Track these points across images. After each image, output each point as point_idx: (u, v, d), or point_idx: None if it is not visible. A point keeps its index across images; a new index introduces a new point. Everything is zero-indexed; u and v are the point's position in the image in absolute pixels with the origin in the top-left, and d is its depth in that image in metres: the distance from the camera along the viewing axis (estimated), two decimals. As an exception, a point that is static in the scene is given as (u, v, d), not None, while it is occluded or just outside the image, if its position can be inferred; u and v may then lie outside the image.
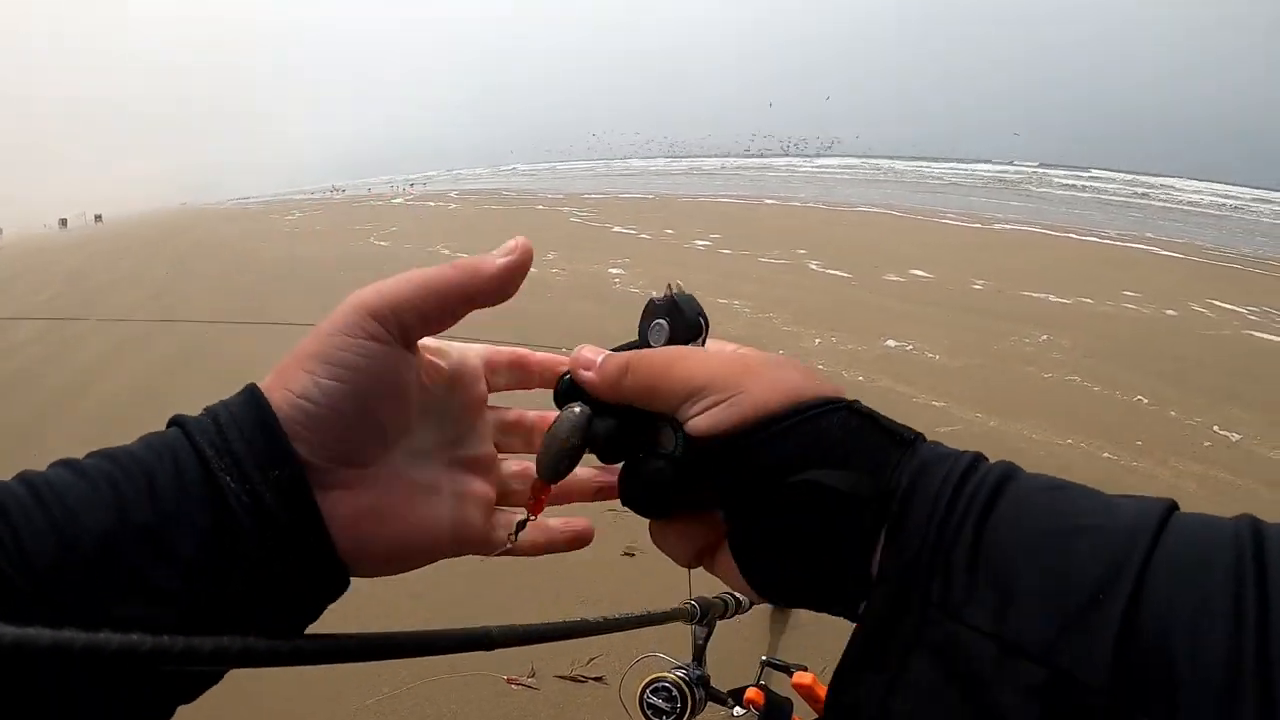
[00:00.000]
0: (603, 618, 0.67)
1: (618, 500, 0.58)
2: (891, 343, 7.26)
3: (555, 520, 0.60)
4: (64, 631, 0.34)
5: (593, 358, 0.56)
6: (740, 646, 3.09)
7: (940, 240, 13.02)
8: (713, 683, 1.56)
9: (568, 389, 0.57)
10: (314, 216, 24.62)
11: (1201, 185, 21.92)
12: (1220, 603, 0.34)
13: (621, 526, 3.99)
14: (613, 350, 0.57)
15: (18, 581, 0.37)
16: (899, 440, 0.48)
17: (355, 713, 3.05)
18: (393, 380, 0.50)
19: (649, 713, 1.44)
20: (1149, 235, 13.71)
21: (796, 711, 1.58)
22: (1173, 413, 5.54)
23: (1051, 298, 8.85)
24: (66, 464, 0.44)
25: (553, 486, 0.57)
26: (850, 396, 0.51)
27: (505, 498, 0.61)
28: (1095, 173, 24.49)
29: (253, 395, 0.48)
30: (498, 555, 0.58)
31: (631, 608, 0.83)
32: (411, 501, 0.52)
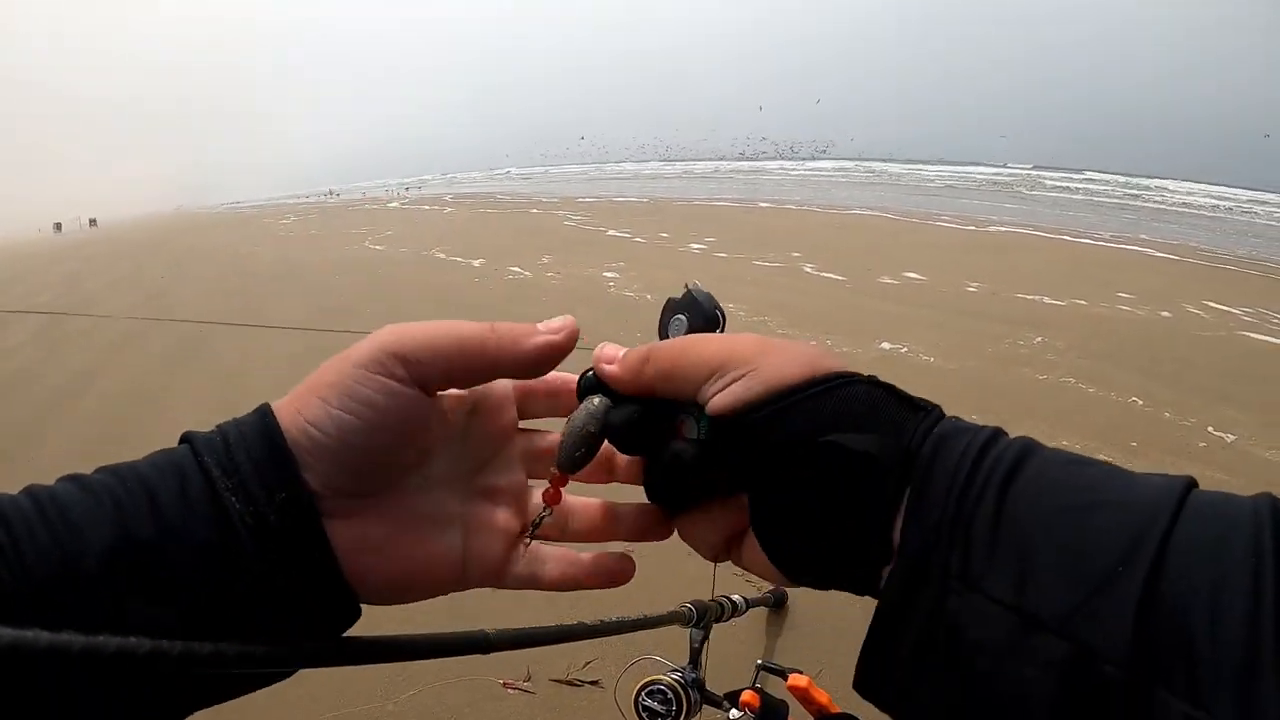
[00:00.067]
0: (600, 621, 0.67)
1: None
2: (886, 345, 7.27)
3: (587, 555, 0.58)
4: (62, 634, 0.34)
5: (615, 353, 0.56)
6: (736, 650, 3.10)
7: (934, 242, 13.04)
8: (708, 686, 1.56)
9: (590, 385, 0.57)
10: (308, 220, 24.57)
11: (1196, 187, 21.95)
12: (1239, 579, 0.34)
13: (617, 530, 3.99)
14: None
15: (17, 592, 0.37)
16: (919, 410, 0.49)
17: (349, 718, 3.05)
18: (409, 422, 0.50)
19: (644, 715, 1.44)
20: (1143, 236, 13.73)
21: (792, 714, 1.58)
22: (1167, 414, 5.55)
23: (1046, 299, 8.87)
24: (72, 479, 0.44)
25: (571, 477, 0.57)
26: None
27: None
28: (1089, 174, 24.51)
29: (263, 416, 0.47)
30: (516, 588, 0.57)
31: (627, 612, 0.83)
32: (417, 534, 0.52)
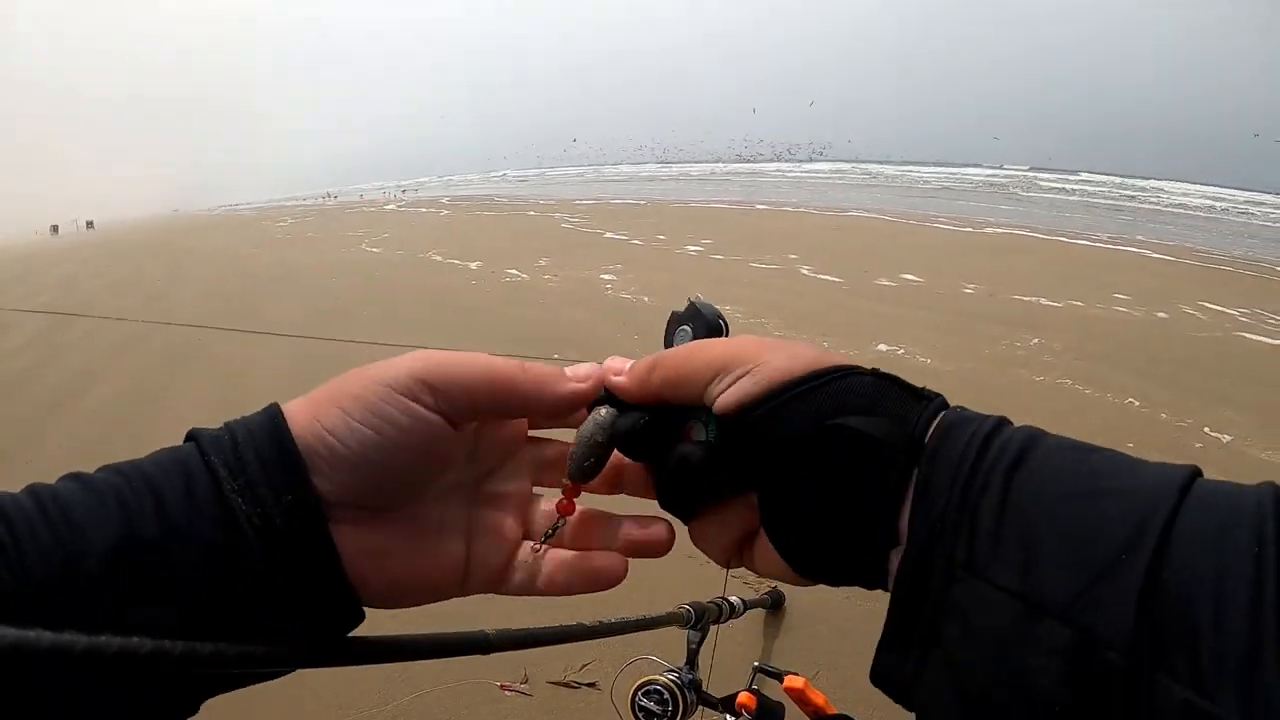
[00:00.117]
0: (598, 622, 0.67)
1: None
2: (883, 347, 7.27)
3: (574, 555, 0.58)
4: (64, 634, 0.34)
5: (622, 365, 0.57)
6: (734, 652, 3.10)
7: (931, 244, 13.05)
8: (706, 687, 1.56)
9: (599, 397, 0.57)
10: (306, 223, 24.61)
11: (1191, 188, 22.01)
12: (1242, 566, 0.34)
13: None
14: None
15: (17, 591, 0.37)
16: (923, 398, 0.50)
17: (348, 722, 3.05)
18: (430, 446, 0.50)
19: (640, 715, 1.44)
20: (1139, 238, 13.75)
21: (789, 715, 1.58)
22: (1164, 415, 5.57)
23: (1043, 301, 8.88)
24: (75, 478, 0.44)
25: (582, 487, 0.57)
26: None
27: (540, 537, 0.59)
28: (1084, 176, 24.56)
29: (272, 418, 0.47)
30: (515, 594, 0.56)
31: (624, 614, 0.83)
32: (423, 540, 0.52)
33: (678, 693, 1.44)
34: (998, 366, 6.66)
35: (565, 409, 0.55)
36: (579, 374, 0.55)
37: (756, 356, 0.52)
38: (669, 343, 0.62)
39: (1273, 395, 5.90)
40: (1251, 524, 0.35)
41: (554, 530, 0.56)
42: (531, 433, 0.60)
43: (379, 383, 0.48)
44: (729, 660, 1.83)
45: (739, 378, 0.51)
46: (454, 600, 0.55)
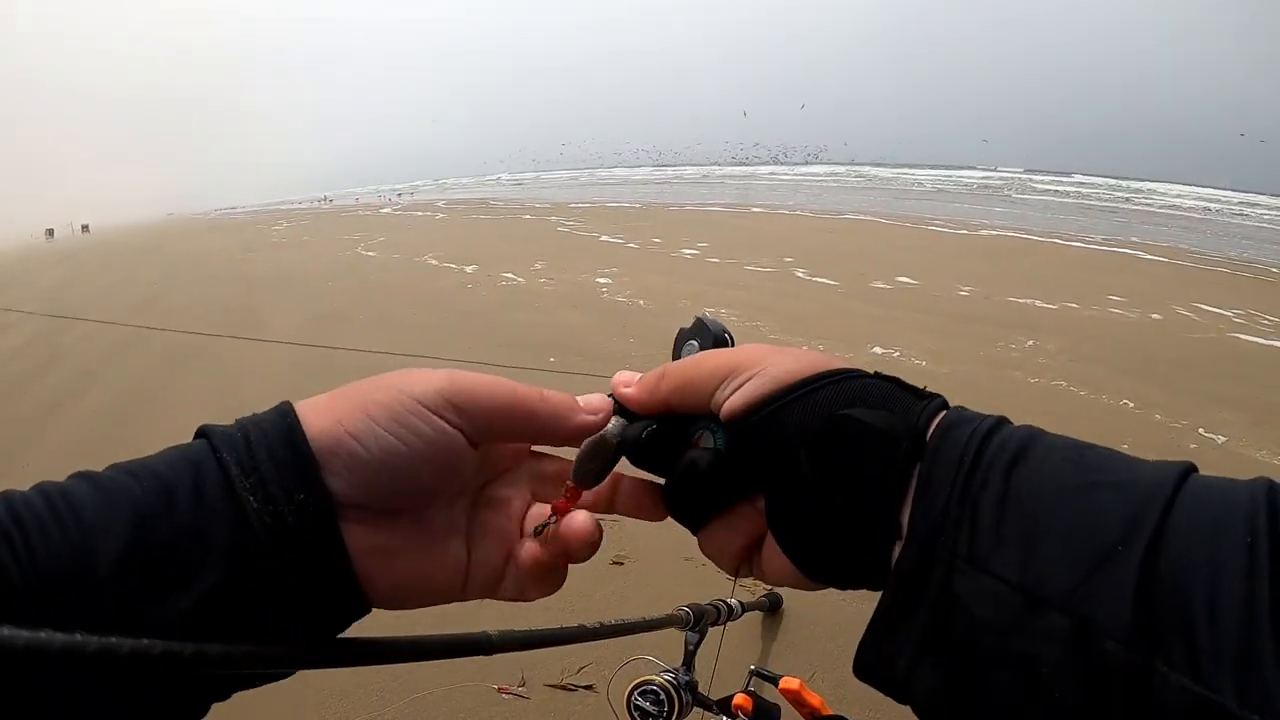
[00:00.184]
0: (599, 623, 0.67)
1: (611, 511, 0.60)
2: (878, 349, 7.28)
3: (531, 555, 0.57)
4: (75, 635, 0.34)
5: (631, 377, 0.58)
6: (731, 655, 3.09)
7: (926, 246, 13.07)
8: (703, 688, 1.56)
9: (605, 396, 0.59)
10: (302, 227, 24.57)
11: (1185, 189, 22.05)
12: (1236, 557, 0.35)
13: (611, 535, 3.99)
14: None
15: (26, 590, 0.37)
16: (924, 397, 0.51)
17: (346, 725, 3.05)
18: (451, 460, 0.51)
19: (635, 714, 1.44)
20: (1133, 240, 13.78)
21: (785, 717, 1.59)
22: (1158, 416, 5.58)
23: (1037, 303, 8.89)
24: (85, 476, 0.44)
25: (584, 492, 0.58)
26: None
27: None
28: (1078, 177, 24.60)
29: (285, 416, 0.48)
30: (511, 599, 0.57)
31: (621, 616, 0.84)
32: (428, 542, 0.53)
33: (673, 693, 1.44)
34: (993, 368, 6.67)
35: (577, 439, 0.56)
36: (591, 406, 0.57)
37: (761, 361, 0.53)
38: (676, 357, 0.63)
39: (1267, 395, 5.93)
40: (1245, 516, 0.36)
41: (544, 526, 0.56)
42: (534, 447, 0.61)
43: (408, 395, 0.49)
44: (726, 663, 1.83)
45: (745, 381, 0.52)
46: (448, 604, 0.55)
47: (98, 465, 0.45)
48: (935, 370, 6.60)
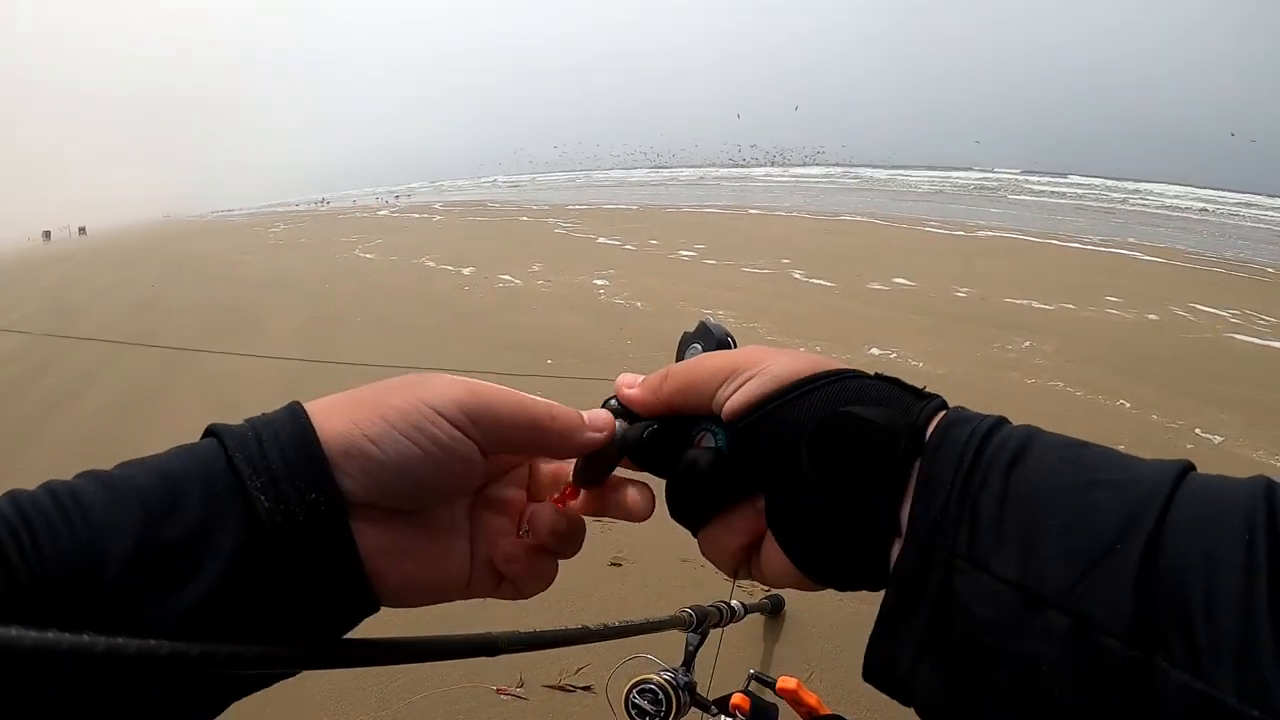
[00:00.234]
0: (603, 625, 0.68)
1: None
2: (875, 351, 7.28)
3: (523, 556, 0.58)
4: (83, 636, 0.34)
5: (634, 379, 0.59)
6: (732, 657, 3.10)
7: (923, 248, 13.07)
8: (705, 690, 1.56)
9: (613, 411, 0.59)
10: (298, 229, 24.56)
11: (1182, 190, 22.06)
12: (1234, 554, 0.35)
13: (608, 537, 4.00)
14: None
15: (34, 590, 0.37)
16: (924, 397, 0.51)
17: (345, 727, 3.05)
18: (463, 467, 0.51)
19: (633, 713, 1.44)
20: (1130, 240, 13.79)
21: (782, 716, 1.59)
22: (1155, 416, 5.59)
23: (1034, 304, 8.90)
24: (94, 476, 0.44)
25: (580, 491, 0.58)
26: None
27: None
28: (1074, 178, 24.62)
29: (297, 416, 0.48)
30: (510, 598, 0.58)
31: (619, 617, 0.84)
32: (434, 542, 0.53)
33: (671, 692, 1.44)
34: (990, 369, 6.67)
35: (578, 454, 0.57)
36: (597, 424, 0.57)
37: (762, 361, 0.54)
38: (680, 359, 0.64)
39: (1263, 396, 5.93)
40: (1243, 514, 0.36)
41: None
42: None
43: (425, 403, 0.49)
44: (727, 664, 1.83)
45: (745, 381, 0.53)
46: (444, 604, 0.56)
47: (98, 465, 0.45)
48: (932, 371, 6.61)
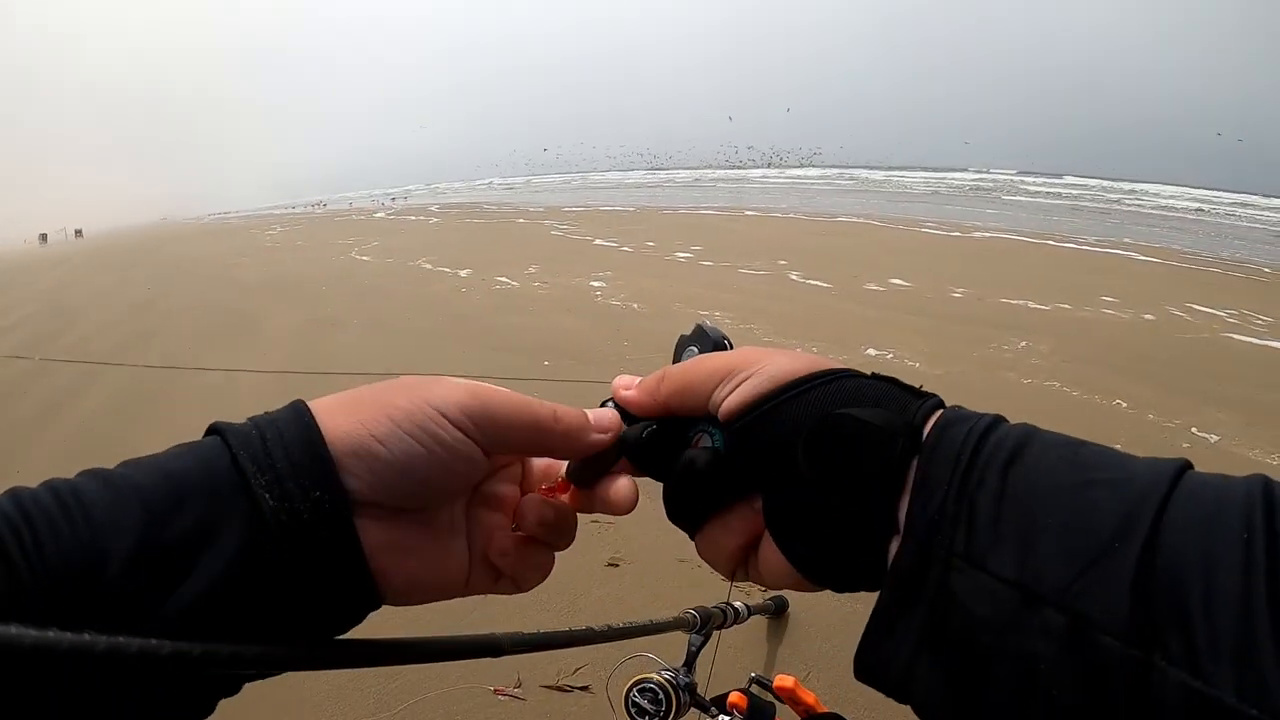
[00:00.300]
0: (607, 626, 0.68)
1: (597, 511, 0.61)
2: (872, 351, 7.28)
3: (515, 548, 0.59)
4: (84, 635, 0.34)
5: (631, 380, 0.60)
6: (734, 658, 3.10)
7: (919, 248, 13.06)
8: (706, 692, 1.56)
9: (614, 411, 0.60)
10: (295, 231, 24.49)
11: (1177, 190, 22.05)
12: (1232, 552, 0.35)
13: (606, 537, 4.00)
14: None
15: (35, 588, 0.37)
16: (921, 396, 0.52)
17: (343, 729, 3.05)
18: (463, 465, 0.52)
19: (633, 711, 1.44)
20: (1126, 240, 13.77)
21: (780, 715, 1.59)
22: (1151, 415, 5.59)
23: (1030, 304, 8.89)
24: (95, 474, 0.44)
25: (570, 486, 0.59)
26: None
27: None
28: (1070, 179, 24.60)
29: (301, 414, 0.49)
30: (506, 593, 0.59)
31: (617, 618, 0.84)
32: (436, 540, 0.54)
33: (671, 692, 1.44)
34: (986, 369, 6.67)
35: (583, 454, 0.58)
36: (601, 424, 0.58)
37: (758, 362, 0.54)
38: (677, 362, 0.64)
39: (1260, 395, 5.94)
40: (1241, 512, 0.37)
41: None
42: None
43: (430, 404, 0.50)
44: (729, 665, 1.84)
45: (741, 381, 0.54)
46: (431, 606, 0.56)
47: (97, 465, 0.45)
48: (929, 371, 6.61)
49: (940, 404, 0.51)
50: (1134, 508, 0.39)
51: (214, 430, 0.48)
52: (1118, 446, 0.43)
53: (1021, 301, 9.01)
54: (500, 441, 0.53)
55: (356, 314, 10.48)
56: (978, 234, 14.49)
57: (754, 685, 1.77)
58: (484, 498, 0.59)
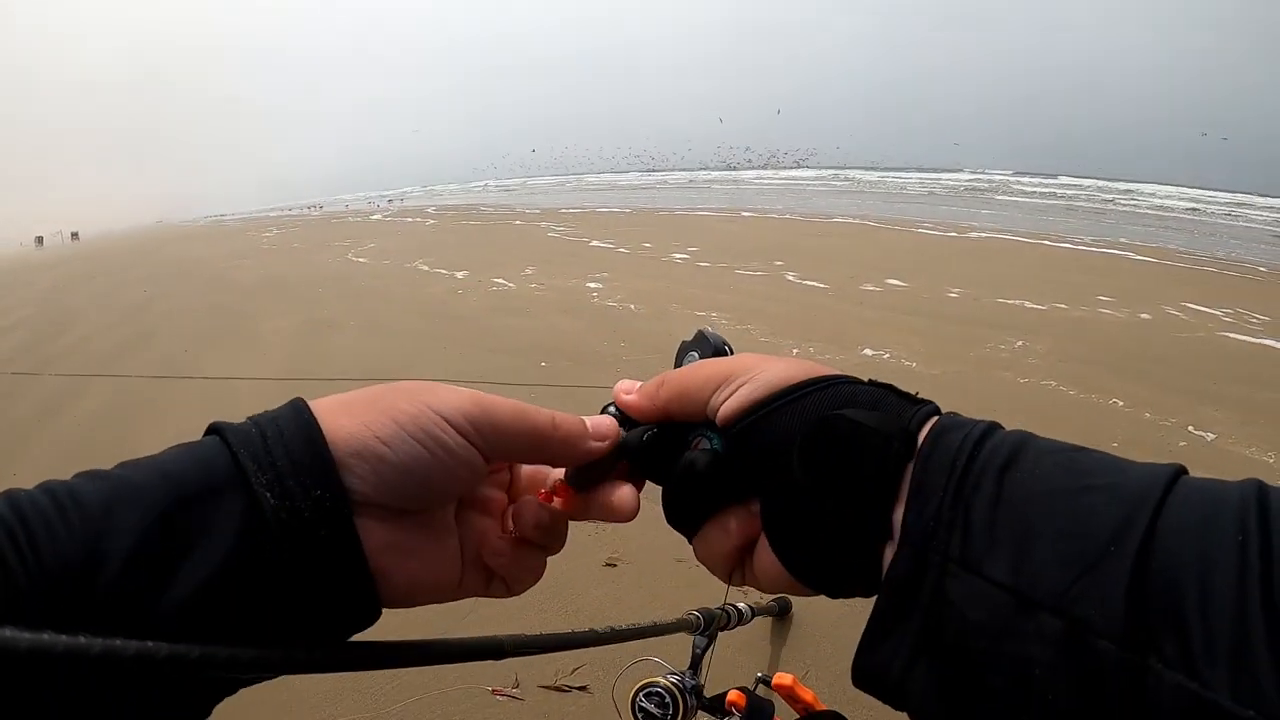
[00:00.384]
0: (609, 628, 0.68)
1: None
2: (869, 351, 7.29)
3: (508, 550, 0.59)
4: (79, 638, 0.34)
5: (632, 385, 0.60)
6: (736, 659, 3.10)
7: (915, 249, 13.06)
8: (710, 693, 1.56)
9: (611, 415, 0.61)
10: (292, 233, 24.47)
11: (1173, 190, 22.05)
12: (1227, 556, 0.36)
13: (603, 537, 4.00)
14: None
15: (31, 591, 0.37)
16: (917, 402, 0.53)
17: (342, 731, 3.04)
18: (463, 470, 0.52)
19: (639, 716, 1.44)
20: (1122, 240, 13.77)
21: (779, 713, 1.59)
22: (1148, 414, 5.59)
23: (1027, 304, 8.89)
24: (93, 475, 0.44)
25: (569, 492, 0.59)
26: None
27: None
28: (1065, 179, 24.60)
29: (301, 413, 0.49)
30: (501, 595, 0.59)
31: (616, 618, 0.85)
32: (435, 542, 0.54)
33: (679, 695, 1.44)
34: (983, 369, 6.68)
35: (581, 461, 0.58)
36: (600, 431, 0.58)
37: (756, 367, 0.55)
38: (678, 367, 0.65)
39: (1256, 393, 5.94)
40: (1235, 516, 0.37)
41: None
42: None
43: (433, 409, 0.50)
44: (731, 666, 1.84)
45: (739, 387, 0.54)
46: (430, 607, 0.57)
47: (96, 466, 0.45)
48: (926, 371, 6.62)
49: (936, 410, 0.52)
50: (1129, 512, 0.39)
51: (213, 430, 0.48)
52: (1114, 445, 0.44)
53: (1018, 301, 9.01)
54: (500, 448, 0.54)
55: (353, 315, 10.48)
56: (974, 234, 14.49)
57: (760, 684, 1.77)
58: (474, 501, 0.59)
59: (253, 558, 0.43)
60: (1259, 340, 7.47)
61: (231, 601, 0.43)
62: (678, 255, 13.46)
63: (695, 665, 1.58)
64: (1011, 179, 25.79)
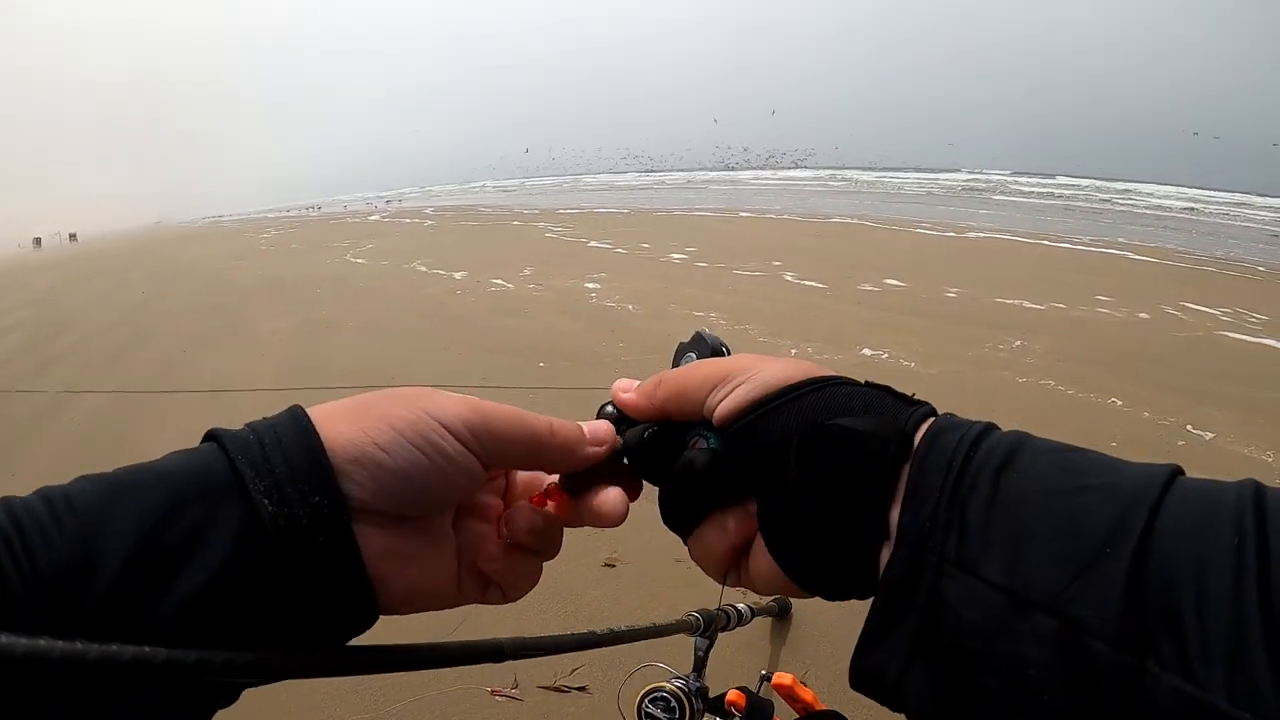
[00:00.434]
0: (609, 630, 0.68)
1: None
2: (867, 351, 7.30)
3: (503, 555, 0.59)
4: (75, 643, 0.34)
5: (630, 384, 0.60)
6: (736, 659, 3.10)
7: (914, 249, 13.09)
8: (713, 695, 1.56)
9: (609, 418, 0.61)
10: (290, 235, 24.51)
11: (1171, 189, 22.12)
12: (1224, 557, 0.35)
13: (601, 538, 3.99)
14: None
15: (28, 596, 0.37)
16: (913, 404, 0.52)
17: (342, 731, 3.05)
18: (462, 477, 0.52)
19: (646, 722, 1.44)
20: (1120, 240, 13.81)
21: (778, 713, 1.59)
22: (1146, 414, 5.59)
23: (1025, 304, 8.91)
24: (89, 480, 0.43)
25: (563, 497, 0.59)
26: None
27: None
28: (1063, 179, 24.67)
29: (299, 420, 0.48)
30: (498, 602, 0.59)
31: (615, 619, 0.85)
32: (433, 549, 0.54)
33: (685, 699, 1.44)
34: (981, 369, 6.68)
35: (579, 467, 0.58)
36: (597, 437, 0.58)
37: (753, 368, 0.55)
38: (675, 367, 0.65)
39: (1254, 393, 5.95)
40: (1232, 517, 0.37)
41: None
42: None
43: (431, 416, 0.50)
44: (732, 667, 1.84)
45: (736, 387, 0.54)
46: (417, 613, 0.57)
47: (95, 469, 0.45)
48: (924, 371, 6.62)
49: (932, 412, 0.52)
50: (1125, 513, 0.39)
51: (211, 436, 0.48)
52: (1113, 445, 0.44)
53: (1016, 301, 9.02)
54: (498, 454, 0.53)
55: (351, 316, 10.48)
56: (972, 234, 14.52)
57: (764, 683, 1.77)
58: (470, 507, 0.59)
59: (251, 563, 0.43)
60: (1258, 339, 7.49)
61: (230, 606, 0.42)
62: (676, 255, 13.48)
63: (699, 668, 1.58)
64: (1009, 179, 25.87)
